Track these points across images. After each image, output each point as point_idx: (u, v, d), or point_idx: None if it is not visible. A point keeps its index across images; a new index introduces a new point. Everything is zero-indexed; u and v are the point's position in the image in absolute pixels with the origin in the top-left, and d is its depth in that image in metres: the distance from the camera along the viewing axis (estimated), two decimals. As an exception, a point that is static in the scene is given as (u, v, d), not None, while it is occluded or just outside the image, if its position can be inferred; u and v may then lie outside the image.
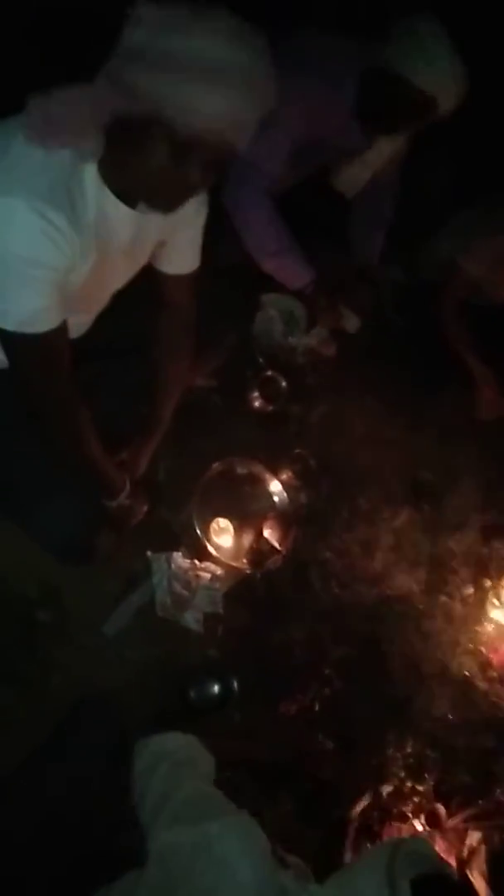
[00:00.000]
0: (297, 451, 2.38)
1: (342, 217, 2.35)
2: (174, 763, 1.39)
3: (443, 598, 2.33)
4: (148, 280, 1.62)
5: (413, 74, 1.90)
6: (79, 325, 1.48)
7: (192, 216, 1.52)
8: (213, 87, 1.08)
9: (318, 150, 2.14)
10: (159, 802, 1.28)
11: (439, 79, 1.90)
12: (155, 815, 1.27)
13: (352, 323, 2.43)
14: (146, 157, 1.17)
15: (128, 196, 1.31)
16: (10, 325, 1.28)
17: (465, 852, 2.01)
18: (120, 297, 1.58)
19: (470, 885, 1.84)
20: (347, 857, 1.88)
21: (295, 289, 2.29)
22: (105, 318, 1.61)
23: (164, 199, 1.25)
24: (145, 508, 1.81)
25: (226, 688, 1.89)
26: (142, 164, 1.18)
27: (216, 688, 1.89)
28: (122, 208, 1.31)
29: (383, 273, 2.57)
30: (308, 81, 1.95)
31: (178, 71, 1.07)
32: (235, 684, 1.89)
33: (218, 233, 1.67)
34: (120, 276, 1.51)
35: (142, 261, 1.54)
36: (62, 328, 1.34)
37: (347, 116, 2.07)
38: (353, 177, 2.24)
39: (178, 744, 1.48)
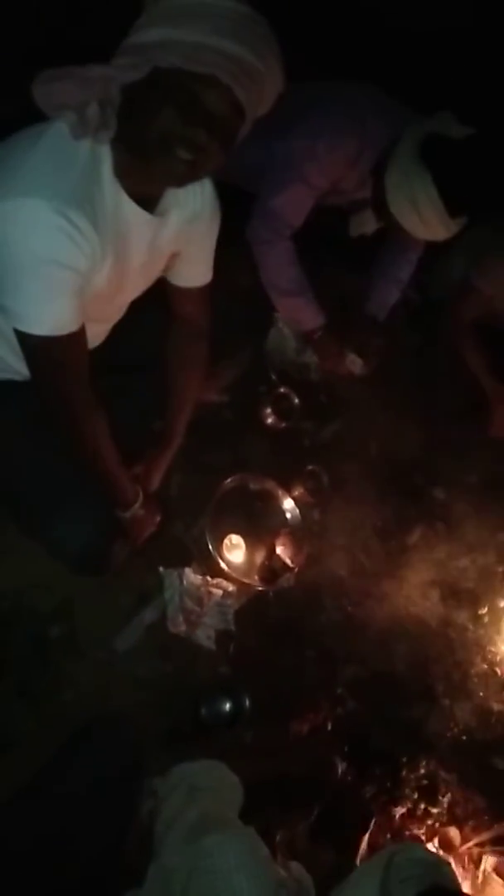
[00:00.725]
0: (310, 467, 2.38)
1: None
2: (194, 787, 1.37)
3: (457, 618, 2.30)
4: (162, 294, 1.63)
5: (400, 217, 1.95)
6: (94, 335, 1.48)
7: (205, 229, 1.53)
8: (210, 26, 1.13)
9: (335, 196, 2.18)
10: (170, 823, 1.27)
11: (412, 224, 1.94)
12: (164, 835, 1.26)
13: (357, 366, 2.44)
14: (154, 114, 1.18)
15: (145, 200, 1.32)
16: (30, 329, 1.28)
17: (480, 878, 1.98)
18: (134, 311, 1.59)
19: None
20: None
21: (304, 331, 2.33)
22: (119, 332, 1.62)
23: (175, 163, 1.23)
24: (158, 519, 1.80)
25: (237, 705, 1.87)
26: (151, 123, 1.19)
27: (228, 705, 1.87)
28: (140, 212, 1.33)
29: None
30: (348, 130, 1.99)
31: (180, 18, 1.13)
32: (247, 702, 1.88)
33: (235, 254, 1.69)
34: (135, 284, 1.51)
35: (156, 271, 1.55)
36: (81, 332, 1.35)
37: (366, 173, 2.08)
38: (361, 224, 2.26)
39: (204, 768, 1.46)
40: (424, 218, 1.90)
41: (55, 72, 1.15)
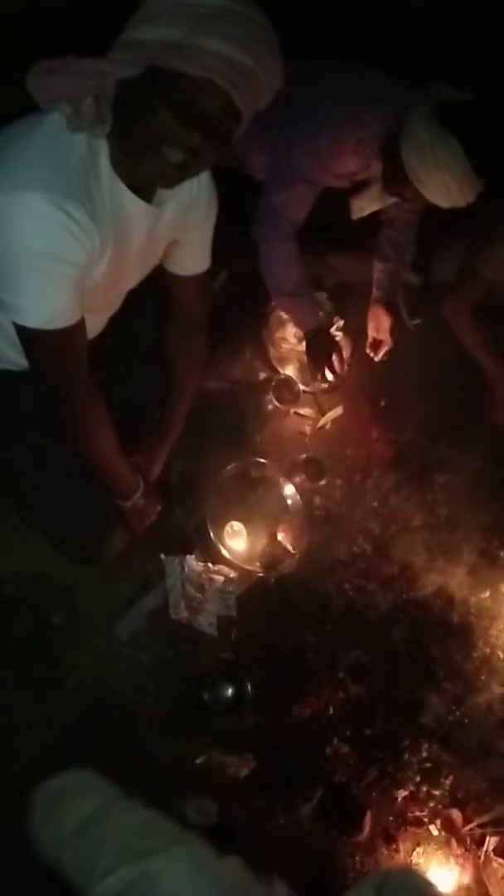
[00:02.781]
0: (312, 454, 2.38)
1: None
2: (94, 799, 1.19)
3: (459, 602, 2.31)
4: (160, 283, 1.62)
5: (427, 187, 1.93)
6: (93, 325, 1.48)
7: (202, 217, 1.52)
8: (203, 25, 1.11)
9: (335, 180, 2.16)
10: (90, 850, 1.10)
11: (439, 193, 1.93)
12: (87, 867, 1.08)
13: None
14: (148, 113, 1.17)
15: (143, 190, 1.32)
16: (29, 322, 1.28)
17: (482, 858, 2.00)
18: (133, 300, 1.59)
19: None
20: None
21: (300, 330, 2.37)
22: (118, 321, 1.62)
23: (166, 165, 1.23)
24: (159, 509, 1.81)
25: (239, 690, 1.89)
26: (144, 122, 1.18)
27: (230, 690, 1.89)
28: (138, 202, 1.32)
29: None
30: (345, 123, 1.99)
31: (175, 16, 1.11)
32: (249, 687, 1.89)
33: (233, 241, 1.69)
34: (133, 274, 1.51)
35: (154, 260, 1.54)
36: (80, 324, 1.35)
37: (368, 157, 2.07)
38: (363, 206, 2.25)
39: (84, 777, 1.25)
40: (453, 184, 1.89)
41: (50, 63, 1.14)
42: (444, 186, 1.91)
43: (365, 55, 2.07)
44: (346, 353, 2.55)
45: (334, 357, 2.35)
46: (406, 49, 2.23)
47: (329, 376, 2.41)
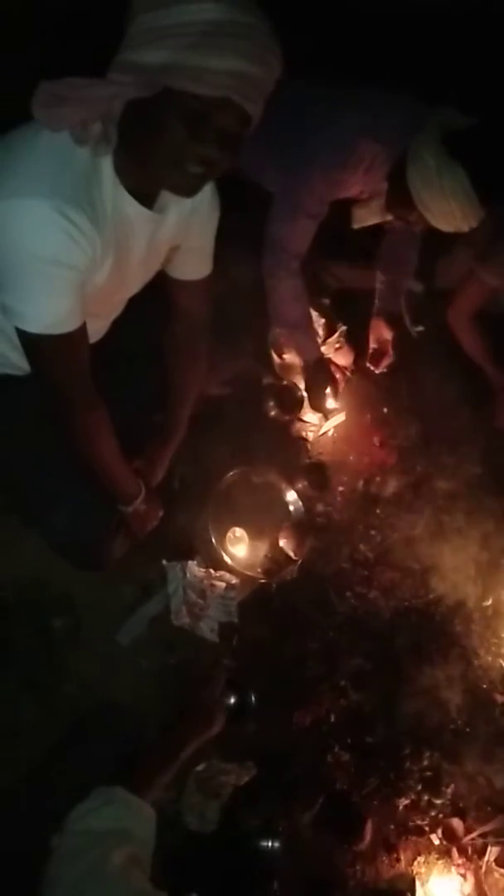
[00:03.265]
0: (313, 460, 2.38)
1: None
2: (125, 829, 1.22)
3: (460, 610, 2.30)
4: (162, 287, 1.63)
5: (432, 214, 1.95)
6: (95, 330, 1.49)
7: (204, 223, 1.53)
8: (213, 45, 1.10)
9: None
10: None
11: (443, 219, 1.95)
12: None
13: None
14: (164, 132, 1.17)
15: (145, 196, 1.33)
16: (32, 327, 1.29)
17: (483, 868, 1.99)
18: (134, 305, 1.59)
19: None
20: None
21: (300, 360, 2.39)
22: (120, 326, 1.63)
23: (186, 178, 1.24)
24: (161, 514, 1.81)
25: (242, 700, 1.87)
26: (161, 140, 1.19)
27: (233, 699, 1.87)
28: (140, 209, 1.33)
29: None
30: (341, 156, 2.00)
31: (180, 37, 1.10)
32: (253, 698, 1.88)
33: (236, 248, 1.70)
34: (135, 280, 1.52)
35: (156, 265, 1.55)
36: (82, 329, 1.36)
37: (369, 181, 2.09)
38: (365, 216, 2.26)
39: (111, 816, 1.24)
40: (458, 211, 1.92)
41: (56, 88, 1.12)
42: (450, 213, 1.92)
43: (367, 55, 2.08)
44: (348, 361, 2.57)
45: (329, 389, 2.39)
46: (408, 49, 2.24)
47: (329, 404, 2.43)
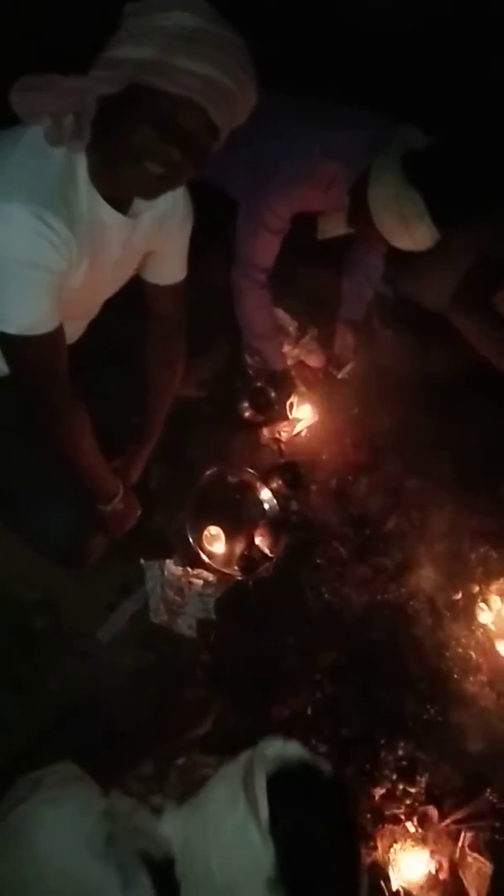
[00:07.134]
0: (287, 459, 2.42)
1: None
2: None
3: (432, 604, 2.36)
4: (138, 291, 1.66)
5: (389, 234, 1.99)
6: (71, 332, 1.52)
7: (177, 229, 1.57)
8: (185, 46, 1.16)
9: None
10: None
11: (400, 240, 2.00)
12: None
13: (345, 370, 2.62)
14: (131, 130, 1.22)
15: (119, 202, 1.36)
16: (9, 329, 1.32)
17: (458, 853, 2.04)
18: (111, 307, 1.63)
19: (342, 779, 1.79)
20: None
21: (266, 368, 2.44)
22: (96, 328, 1.66)
23: (146, 176, 1.28)
24: (139, 513, 1.84)
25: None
26: (127, 138, 1.23)
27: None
28: (114, 213, 1.36)
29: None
30: (303, 174, 2.04)
31: (156, 37, 1.16)
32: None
33: (209, 253, 1.74)
34: (110, 283, 1.56)
35: (130, 269, 1.59)
36: (60, 330, 1.39)
37: (333, 196, 2.12)
38: (329, 228, 2.31)
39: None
40: (416, 233, 1.96)
41: (34, 80, 1.18)
42: (407, 236, 1.97)
43: (361, 69, 2.11)
44: (320, 363, 2.62)
45: (294, 398, 2.47)
46: (401, 64, 2.29)
47: (295, 413, 2.50)
